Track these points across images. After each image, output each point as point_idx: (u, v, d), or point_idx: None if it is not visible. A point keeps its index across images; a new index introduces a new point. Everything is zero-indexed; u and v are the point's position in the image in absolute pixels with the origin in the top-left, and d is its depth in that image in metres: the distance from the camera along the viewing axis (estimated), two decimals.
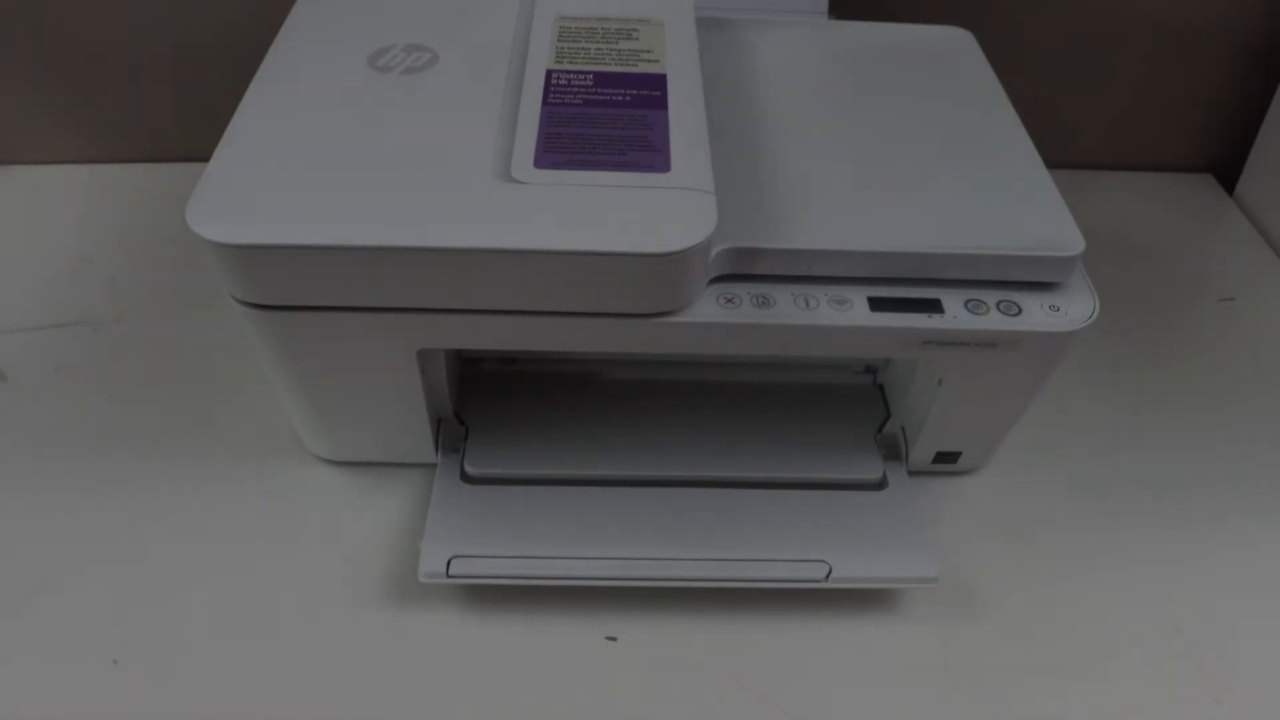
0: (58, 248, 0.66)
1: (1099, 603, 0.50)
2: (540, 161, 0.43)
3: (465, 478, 0.51)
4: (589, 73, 0.49)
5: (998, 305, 0.45)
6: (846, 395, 0.56)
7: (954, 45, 0.57)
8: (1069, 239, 0.45)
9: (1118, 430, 0.58)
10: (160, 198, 0.71)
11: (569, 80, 0.48)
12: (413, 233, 0.39)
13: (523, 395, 0.55)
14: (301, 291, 0.41)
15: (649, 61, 0.49)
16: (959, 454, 0.53)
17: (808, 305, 0.44)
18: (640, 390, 0.56)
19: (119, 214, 0.69)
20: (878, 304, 0.44)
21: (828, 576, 0.47)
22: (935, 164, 0.48)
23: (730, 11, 0.59)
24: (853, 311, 0.44)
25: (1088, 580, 0.50)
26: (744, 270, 0.44)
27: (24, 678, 0.44)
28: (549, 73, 0.48)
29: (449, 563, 0.46)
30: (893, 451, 0.53)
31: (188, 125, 0.73)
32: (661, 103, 0.47)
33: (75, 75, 0.70)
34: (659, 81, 0.48)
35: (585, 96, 0.47)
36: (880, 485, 0.52)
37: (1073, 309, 0.45)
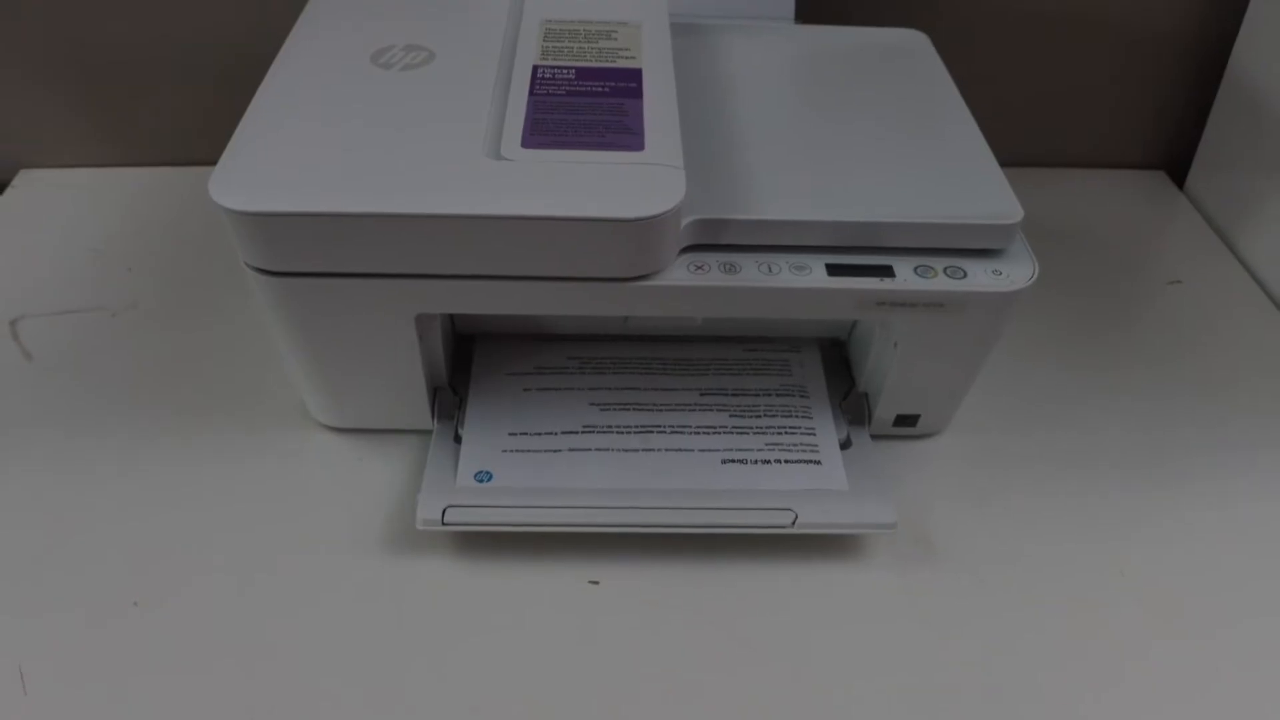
0: (77, 242, 0.70)
1: (1050, 552, 0.53)
2: (527, 143, 0.47)
3: (459, 440, 0.55)
4: (572, 68, 0.53)
5: (945, 270, 0.49)
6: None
7: (910, 45, 0.62)
8: (1009, 209, 0.49)
9: (1072, 399, 0.62)
10: (170, 198, 0.75)
11: (554, 74, 0.53)
12: (411, 201, 0.44)
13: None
14: (311, 258, 0.45)
15: (626, 58, 0.54)
16: (918, 417, 0.57)
17: (770, 271, 0.48)
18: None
19: (132, 212, 0.74)
20: (834, 270, 0.49)
21: (794, 523, 0.51)
22: (889, 146, 0.53)
23: (703, 17, 0.64)
24: (811, 276, 0.48)
25: (1040, 533, 0.54)
26: (712, 240, 0.49)
27: (53, 617, 0.48)
28: (535, 68, 0.53)
29: (444, 511, 0.50)
30: (856, 416, 0.57)
31: (194, 133, 0.78)
32: (637, 93, 0.51)
33: (90, 86, 0.75)
34: (635, 75, 0.53)
35: (568, 88, 0.52)
36: (844, 446, 0.56)
37: (1014, 273, 0.49)
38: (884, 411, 0.57)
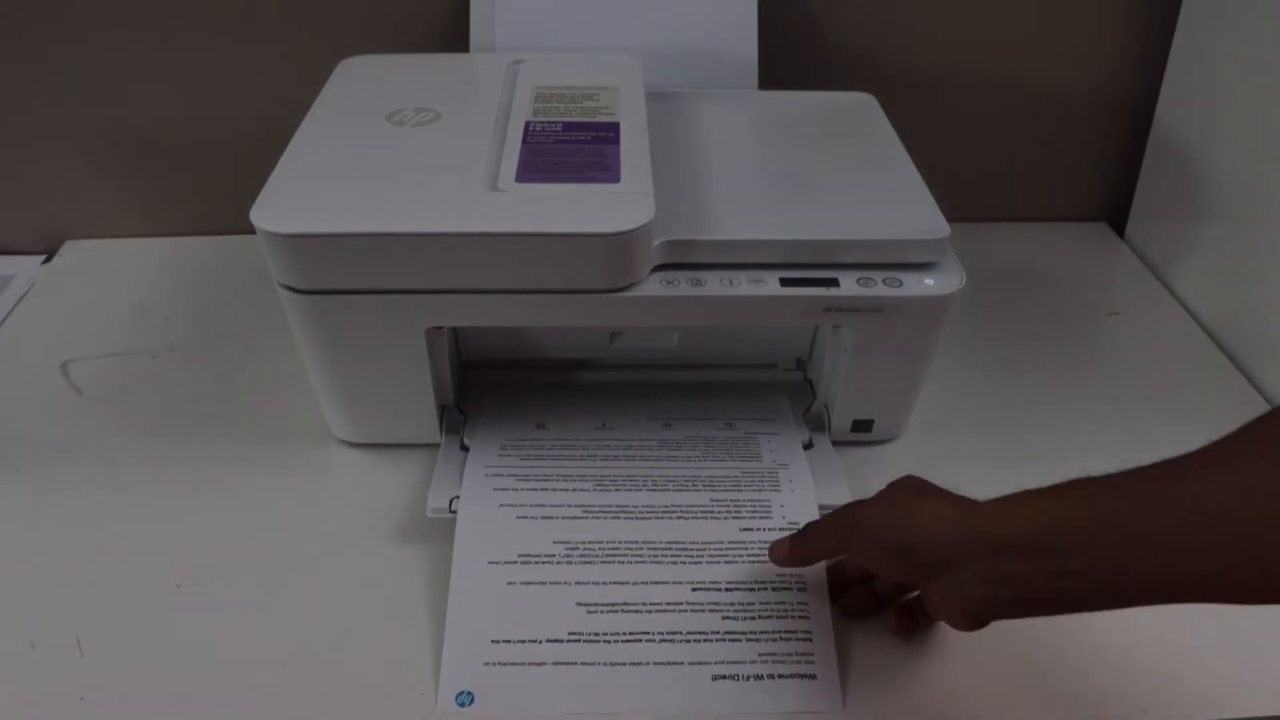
0: (119, 298, 0.79)
1: None
2: (520, 178, 0.55)
3: (464, 449, 0.62)
4: (559, 122, 0.62)
5: (883, 280, 0.56)
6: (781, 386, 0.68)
7: (859, 105, 0.71)
8: (938, 227, 0.57)
9: (1017, 409, 0.69)
10: (202, 261, 0.83)
11: (543, 127, 0.61)
12: (422, 222, 0.51)
13: (511, 392, 0.66)
14: (335, 276, 0.53)
15: (606, 114, 0.63)
16: (872, 421, 0.64)
17: (731, 284, 0.56)
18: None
19: (168, 273, 0.82)
20: (787, 282, 0.56)
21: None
22: (836, 181, 0.61)
23: (677, 86, 0.73)
24: (766, 287, 0.56)
25: None
26: (681, 259, 0.56)
27: (104, 597, 0.55)
28: (528, 123, 0.61)
29: (451, 500, 0.57)
30: (818, 425, 0.64)
31: (221, 206, 0.86)
32: (615, 140, 0.59)
33: (127, 167, 0.84)
34: (613, 127, 0.61)
35: (556, 138, 0.60)
36: (808, 447, 0.62)
37: (944, 282, 0.57)
38: (841, 418, 0.63)
